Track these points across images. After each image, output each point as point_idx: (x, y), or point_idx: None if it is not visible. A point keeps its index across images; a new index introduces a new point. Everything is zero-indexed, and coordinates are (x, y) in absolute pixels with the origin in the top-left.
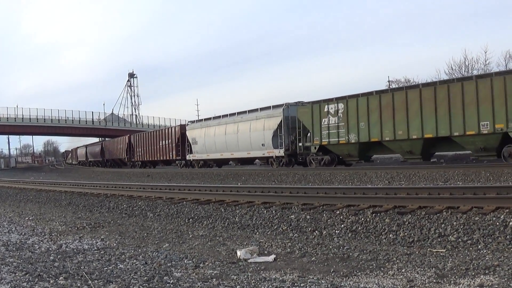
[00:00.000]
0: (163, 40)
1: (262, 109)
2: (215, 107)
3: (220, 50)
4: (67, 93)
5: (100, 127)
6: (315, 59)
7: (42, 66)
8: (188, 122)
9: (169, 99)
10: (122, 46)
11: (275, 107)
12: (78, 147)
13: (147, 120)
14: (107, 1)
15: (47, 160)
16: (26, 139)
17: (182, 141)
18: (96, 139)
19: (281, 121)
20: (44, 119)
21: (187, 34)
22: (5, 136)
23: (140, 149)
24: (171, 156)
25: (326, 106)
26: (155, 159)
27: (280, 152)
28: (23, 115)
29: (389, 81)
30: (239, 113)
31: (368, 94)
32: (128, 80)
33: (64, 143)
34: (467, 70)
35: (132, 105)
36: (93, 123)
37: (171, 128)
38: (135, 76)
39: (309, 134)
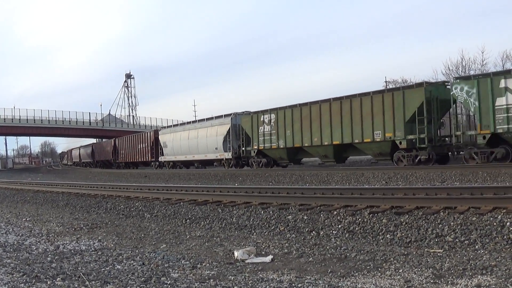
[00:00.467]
0: (160, 41)
1: (216, 117)
2: (213, 108)
3: (218, 50)
4: (65, 94)
5: (97, 128)
6: (313, 59)
7: (40, 67)
8: (161, 127)
9: (167, 99)
10: (119, 47)
11: (225, 116)
12: (72, 149)
13: (144, 121)
14: (104, 2)
15: (44, 161)
16: (24, 140)
17: (155, 145)
18: (93, 140)
19: (230, 128)
20: (41, 120)
21: (184, 35)
22: (2, 137)
23: (123, 151)
24: (147, 158)
25: (262, 116)
26: (135, 160)
27: (228, 155)
28: (20, 116)
29: (386, 81)
30: (199, 120)
31: (293, 107)
32: (125, 81)
33: (61, 144)
34: (464, 70)
35: (129, 106)
36: (90, 124)
37: (147, 132)
38: (132, 77)
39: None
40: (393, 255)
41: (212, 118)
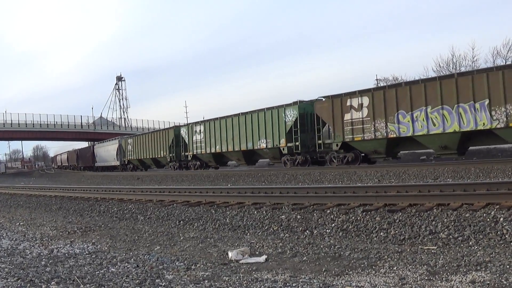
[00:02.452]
0: (150, 43)
1: (114, 138)
2: (205, 108)
3: (209, 51)
4: (56, 97)
5: (89, 131)
6: (305, 58)
7: (30, 72)
8: (96, 143)
9: (158, 101)
10: (110, 49)
11: (116, 138)
12: (57, 155)
13: (135, 123)
14: (95, 6)
15: (36, 165)
16: (16, 145)
17: (93, 154)
18: (85, 143)
19: (118, 146)
20: (33, 124)
21: (175, 37)
22: None
23: (81, 158)
24: (91, 163)
25: (128, 140)
26: (86, 165)
27: (118, 162)
28: (12, 121)
29: (377, 79)
30: (109, 140)
31: (138, 135)
32: (116, 83)
33: (53, 148)
34: (455, 67)
35: (120, 108)
36: (82, 127)
37: (90, 146)
38: (123, 79)
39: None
40: (387, 253)
41: (112, 139)
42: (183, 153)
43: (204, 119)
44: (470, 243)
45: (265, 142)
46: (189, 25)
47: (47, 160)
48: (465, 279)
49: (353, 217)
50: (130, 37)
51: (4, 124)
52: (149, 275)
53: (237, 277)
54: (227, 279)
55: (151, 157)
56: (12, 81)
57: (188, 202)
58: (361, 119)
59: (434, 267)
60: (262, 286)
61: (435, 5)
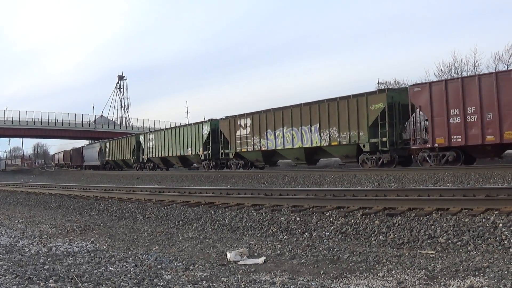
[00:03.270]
0: (153, 43)
1: (94, 142)
2: (206, 109)
3: (211, 52)
4: (57, 95)
5: (89, 130)
6: (306, 60)
7: (32, 69)
8: (85, 144)
9: (160, 101)
10: (112, 48)
11: (97, 141)
12: (55, 153)
13: (136, 122)
14: (97, 5)
15: (37, 163)
16: (16, 142)
17: (82, 155)
18: (86, 142)
19: (99, 148)
20: (34, 121)
21: (178, 37)
22: None
23: (73, 158)
24: (80, 162)
25: (106, 144)
26: (78, 164)
27: (100, 162)
28: (12, 118)
29: (378, 82)
30: (91, 143)
31: (110, 140)
32: (118, 83)
33: (54, 146)
34: (456, 71)
35: (121, 108)
36: (82, 126)
37: (80, 147)
38: (124, 78)
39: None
40: (385, 257)
41: (94, 142)
42: (141, 156)
43: (205, 119)
44: (469, 248)
45: (190, 150)
46: (190, 26)
47: (47, 158)
48: (463, 284)
49: (352, 220)
50: (132, 37)
51: (5, 121)
52: (147, 274)
53: (235, 278)
54: (225, 280)
55: (121, 158)
56: (14, 78)
57: (187, 202)
58: (246, 135)
59: (433, 271)
60: None
61: (437, 9)
